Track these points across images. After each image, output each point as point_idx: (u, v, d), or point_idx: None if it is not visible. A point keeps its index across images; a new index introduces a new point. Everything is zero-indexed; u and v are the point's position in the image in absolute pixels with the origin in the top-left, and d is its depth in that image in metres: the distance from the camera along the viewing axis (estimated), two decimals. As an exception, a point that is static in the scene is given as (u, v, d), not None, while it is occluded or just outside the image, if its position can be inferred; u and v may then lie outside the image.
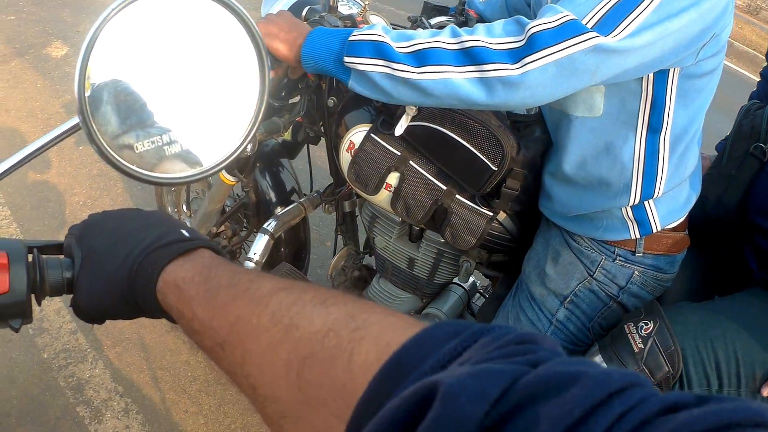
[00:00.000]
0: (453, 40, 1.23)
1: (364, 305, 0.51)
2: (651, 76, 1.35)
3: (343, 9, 1.80)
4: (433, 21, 1.96)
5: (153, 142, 0.89)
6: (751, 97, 1.95)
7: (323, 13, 1.60)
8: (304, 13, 1.68)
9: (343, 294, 0.54)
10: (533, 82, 1.19)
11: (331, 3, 1.64)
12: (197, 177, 0.93)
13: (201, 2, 0.93)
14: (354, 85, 1.29)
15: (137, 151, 0.88)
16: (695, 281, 1.76)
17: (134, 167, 0.87)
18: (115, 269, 0.70)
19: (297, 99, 1.77)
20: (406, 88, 1.24)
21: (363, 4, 1.83)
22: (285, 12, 1.43)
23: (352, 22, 1.63)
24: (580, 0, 1.22)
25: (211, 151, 0.94)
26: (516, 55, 1.19)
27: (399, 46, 1.24)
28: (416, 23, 1.91)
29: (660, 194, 1.46)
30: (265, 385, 0.52)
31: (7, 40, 6.47)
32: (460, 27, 1.95)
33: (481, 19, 2.02)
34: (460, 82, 1.21)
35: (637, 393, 0.33)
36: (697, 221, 1.65)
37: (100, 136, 0.84)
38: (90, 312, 0.72)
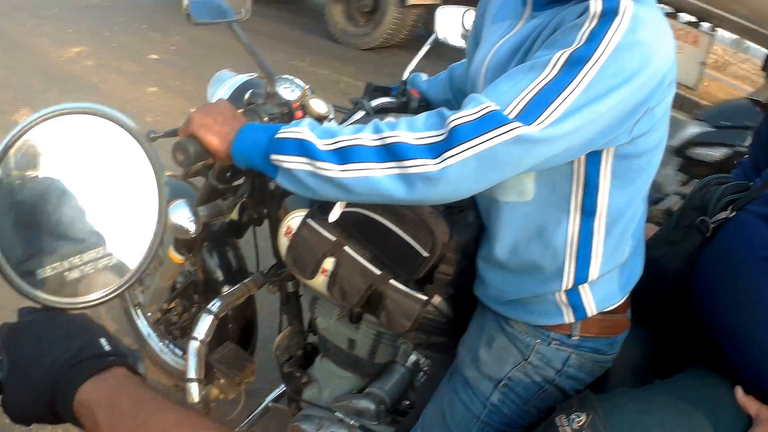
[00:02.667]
0: (374, 137, 1.23)
1: None
2: (583, 157, 1.35)
3: (285, 92, 1.83)
4: (375, 102, 2.00)
5: (56, 268, 0.90)
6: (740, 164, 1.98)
7: (260, 102, 1.63)
8: (246, 96, 1.72)
9: None
10: (454, 176, 1.18)
11: (269, 90, 1.67)
12: (105, 298, 0.94)
13: (102, 123, 0.95)
14: (281, 181, 1.30)
15: (42, 277, 0.89)
16: (639, 359, 1.75)
17: (39, 293, 0.88)
18: (39, 381, 0.74)
19: (242, 181, 1.81)
20: (329, 185, 1.25)
21: (303, 87, 1.86)
22: (223, 103, 1.44)
23: (288, 109, 1.67)
24: (503, 89, 1.22)
25: (121, 268, 0.96)
26: (436, 150, 1.19)
27: (322, 144, 1.25)
28: (358, 105, 1.95)
29: (595, 278, 1.45)
30: None
31: (-26, 106, 6.40)
32: (401, 107, 2.01)
33: (424, 99, 2.05)
34: (381, 179, 1.21)
35: None
36: (638, 288, 1.65)
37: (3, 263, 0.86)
38: (18, 415, 0.76)
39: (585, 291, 1.47)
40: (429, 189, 1.20)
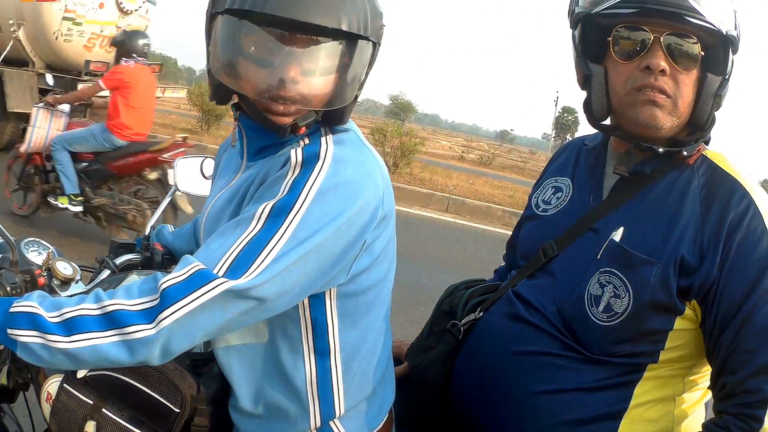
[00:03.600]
0: (95, 306, 1.25)
1: None
2: (306, 301, 1.39)
3: (33, 255, 1.83)
4: (119, 260, 2.01)
5: None
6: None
7: (1, 270, 1.63)
8: None
9: None
10: (171, 336, 1.22)
11: (12, 258, 1.67)
12: None
13: None
14: (21, 354, 1.28)
15: None
16: None
17: None
18: None
19: (2, 347, 1.76)
20: (62, 356, 1.24)
21: (49, 250, 1.86)
22: None
23: (31, 276, 1.66)
24: (213, 247, 1.27)
25: None
26: (151, 315, 1.22)
27: (50, 316, 1.26)
28: (103, 263, 1.96)
29: (342, 413, 1.48)
30: None
31: None
32: (146, 262, 2.02)
33: (168, 252, 2.06)
34: (105, 347, 1.23)
35: None
36: (405, 400, 1.71)
37: None
38: None
39: (336, 426, 1.49)
40: (149, 351, 1.23)
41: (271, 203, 1.28)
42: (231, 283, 1.21)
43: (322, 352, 1.44)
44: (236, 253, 1.24)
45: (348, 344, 1.46)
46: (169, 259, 2.09)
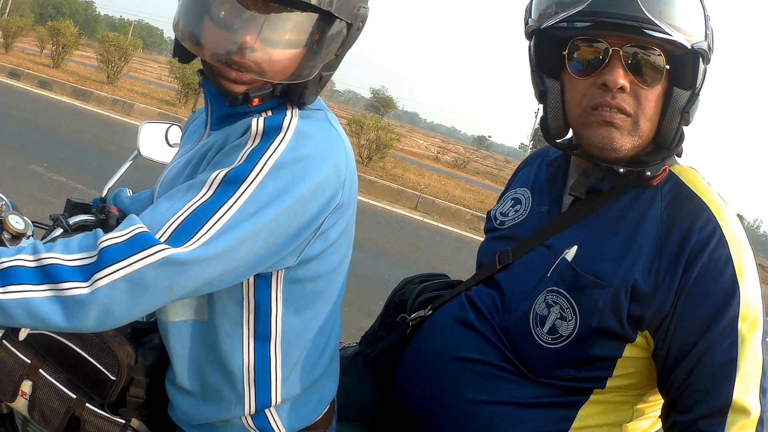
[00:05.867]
0: (32, 257, 1.18)
1: None
2: (252, 282, 1.35)
3: None
4: (73, 219, 1.97)
5: None
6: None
7: None
8: None
9: None
10: (104, 299, 1.15)
11: None
12: None
13: None
14: None
15: None
16: None
17: None
18: None
19: None
20: None
21: (3, 201, 1.81)
22: None
23: None
24: (160, 209, 1.22)
25: None
26: (87, 272, 1.15)
27: None
28: (57, 221, 1.91)
29: (279, 402, 1.45)
30: None
31: None
32: (100, 224, 1.97)
33: (123, 216, 2.00)
34: (37, 302, 1.15)
35: None
36: (353, 392, 1.70)
37: None
38: None
39: (272, 414, 1.46)
40: (84, 314, 1.16)
41: (225, 171, 1.23)
42: (172, 251, 1.15)
43: (262, 337, 1.40)
44: (182, 219, 1.19)
45: (290, 332, 1.42)
46: None
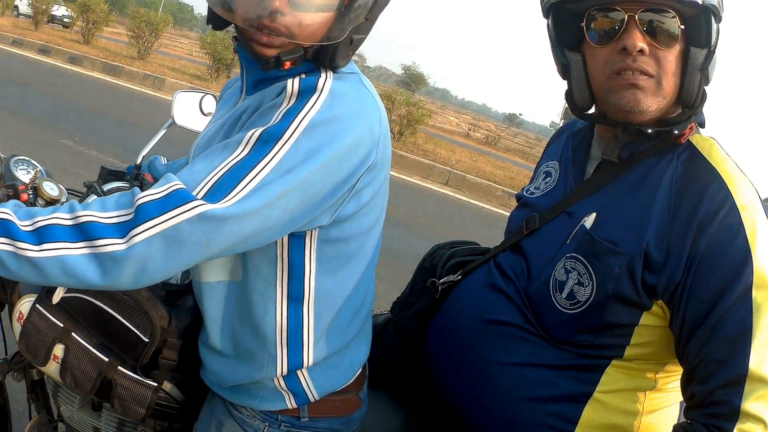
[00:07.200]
0: (68, 216, 1.20)
1: None
2: (286, 241, 1.36)
3: (21, 174, 1.80)
4: (108, 186, 1.98)
5: None
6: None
7: None
8: None
9: None
10: (141, 256, 1.16)
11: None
12: None
13: None
14: None
15: None
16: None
17: None
18: None
19: None
20: (28, 266, 1.19)
21: (37, 168, 1.83)
22: None
23: (14, 191, 1.63)
24: (197, 168, 1.23)
25: None
26: (124, 229, 1.17)
27: (23, 224, 1.21)
28: (91, 189, 1.92)
29: (311, 364, 1.45)
30: None
31: None
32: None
33: None
34: (74, 259, 1.17)
35: None
36: (381, 358, 1.71)
37: None
38: None
39: (303, 376, 1.47)
40: (120, 270, 1.17)
41: (260, 129, 1.25)
42: (208, 206, 1.17)
43: (295, 297, 1.41)
44: (218, 176, 1.20)
45: (323, 293, 1.42)
46: None
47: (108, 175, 2.05)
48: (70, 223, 1.20)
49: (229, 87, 1.71)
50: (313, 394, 1.48)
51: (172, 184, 1.20)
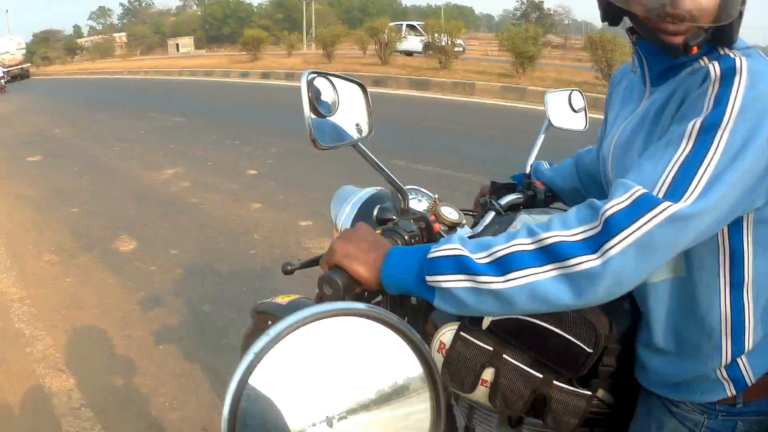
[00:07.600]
0: (529, 240, 1.20)
1: None
2: (726, 228, 1.32)
3: (414, 203, 1.82)
4: (504, 200, 1.98)
5: None
6: None
7: (396, 219, 1.62)
8: (375, 212, 1.70)
9: None
10: (617, 268, 1.14)
11: (402, 206, 1.65)
12: None
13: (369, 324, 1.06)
14: (439, 303, 1.26)
15: None
16: None
17: None
18: None
19: (380, 298, 1.77)
20: (492, 299, 1.20)
21: (433, 196, 1.85)
22: (363, 227, 1.42)
23: (426, 223, 1.64)
24: (647, 168, 1.21)
25: None
26: (594, 244, 1.15)
27: (478, 257, 1.22)
28: (488, 206, 1.93)
29: (750, 348, 1.40)
30: None
31: (72, 233, 6.54)
32: (529, 201, 2.01)
33: (550, 190, 2.04)
34: (544, 284, 1.16)
35: None
36: None
37: None
38: None
39: (743, 362, 1.42)
40: (595, 287, 1.16)
41: (699, 119, 1.22)
42: (675, 207, 1.13)
43: (737, 284, 1.36)
44: (672, 174, 1.17)
45: (761, 275, 1.36)
46: (551, 197, 2.04)
47: (500, 189, 2.04)
48: (533, 247, 1.19)
49: (619, 80, 1.72)
50: (750, 378, 1.42)
51: (635, 189, 1.18)
